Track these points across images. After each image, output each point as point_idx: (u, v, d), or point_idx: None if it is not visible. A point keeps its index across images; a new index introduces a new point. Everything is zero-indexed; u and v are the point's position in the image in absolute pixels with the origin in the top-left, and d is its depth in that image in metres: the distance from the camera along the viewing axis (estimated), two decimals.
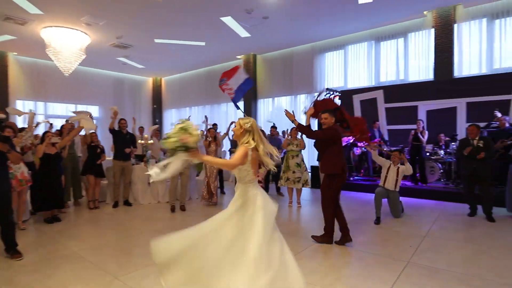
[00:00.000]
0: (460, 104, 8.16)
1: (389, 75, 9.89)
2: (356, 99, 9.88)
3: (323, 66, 11.20)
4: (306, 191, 7.69)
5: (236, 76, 7.29)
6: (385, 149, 7.75)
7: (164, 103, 16.65)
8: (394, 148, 8.41)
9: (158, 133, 8.77)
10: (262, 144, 2.44)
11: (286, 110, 4.28)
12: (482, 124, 6.99)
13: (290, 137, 6.54)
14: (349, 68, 10.70)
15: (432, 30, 8.79)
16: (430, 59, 8.94)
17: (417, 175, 7.61)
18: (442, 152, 7.60)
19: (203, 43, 10.79)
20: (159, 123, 15.87)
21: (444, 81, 8.47)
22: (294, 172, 6.13)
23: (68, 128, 5.94)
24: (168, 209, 6.02)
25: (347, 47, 10.67)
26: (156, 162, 6.99)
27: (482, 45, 8.31)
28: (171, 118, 16.35)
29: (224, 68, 13.74)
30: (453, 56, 8.47)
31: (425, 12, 8.77)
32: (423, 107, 8.73)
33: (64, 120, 7.50)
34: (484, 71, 8.27)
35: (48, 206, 4.90)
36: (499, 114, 6.87)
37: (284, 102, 12.24)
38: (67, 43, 8.76)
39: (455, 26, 8.44)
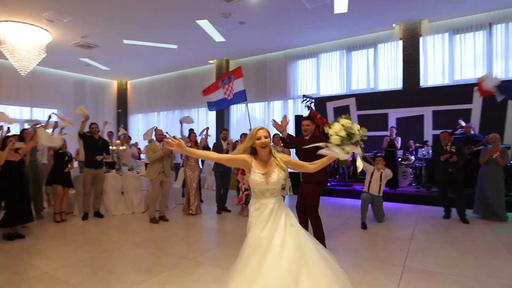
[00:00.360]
0: (427, 112, 8.66)
1: (360, 84, 10.26)
2: (330, 106, 10.11)
3: (296, 73, 11.36)
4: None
5: (238, 81, 7.34)
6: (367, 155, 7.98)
7: (130, 107, 15.86)
8: (367, 154, 8.73)
9: (128, 139, 8.26)
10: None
11: (273, 120, 4.08)
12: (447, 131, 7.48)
13: (272, 143, 6.47)
14: (321, 76, 10.95)
15: (400, 42, 9.29)
16: (399, 69, 9.42)
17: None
18: (412, 157, 7.97)
19: (175, 46, 10.44)
20: (124, 128, 15.06)
21: (412, 90, 8.96)
22: None
23: (32, 134, 5.34)
24: (145, 220, 5.63)
25: (320, 55, 10.92)
26: (129, 170, 6.55)
27: (444, 57, 8.93)
28: (137, 123, 15.62)
29: (195, 72, 13.47)
30: (419, 67, 9.00)
31: (393, 25, 9.25)
32: (393, 115, 9.15)
33: (25, 123, 6.77)
34: (447, 81, 8.88)
35: (15, 221, 4.33)
36: (463, 123, 7.37)
37: (257, 108, 12.20)
38: (25, 40, 7.99)
39: (421, 39, 8.99)
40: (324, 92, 10.83)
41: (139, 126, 15.30)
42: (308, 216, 4.02)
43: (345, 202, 7.30)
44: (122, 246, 4.25)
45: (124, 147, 7.01)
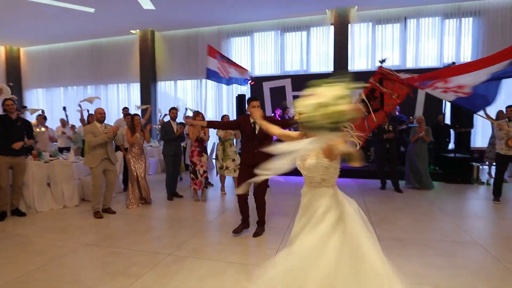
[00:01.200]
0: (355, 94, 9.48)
1: (294, 65, 10.58)
2: (266, 86, 10.16)
3: (231, 51, 11.02)
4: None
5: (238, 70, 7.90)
6: None
7: (25, 80, 13.10)
8: None
9: (44, 119, 6.77)
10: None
11: (187, 118, 3.95)
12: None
13: None
14: (256, 55, 10.89)
15: (332, 27, 9.83)
16: (330, 53, 10.02)
17: None
18: None
19: (92, 10, 8.87)
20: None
21: (341, 74, 9.65)
22: (233, 160, 5.92)
23: None
24: (84, 214, 4.78)
25: (254, 34, 10.79)
26: (51, 156, 5.46)
27: (368, 45, 9.84)
28: (37, 100, 13.06)
29: (114, 43, 11.80)
30: (347, 52, 9.73)
31: (326, 10, 9.70)
32: None
33: None
34: (369, 67, 9.85)
35: None
36: None
37: (189, 86, 11.50)
38: None
39: (350, 26, 9.68)
40: (259, 71, 10.83)
41: (39, 104, 12.80)
42: (257, 198, 3.79)
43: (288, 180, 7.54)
44: (73, 248, 3.51)
45: (43, 129, 5.73)
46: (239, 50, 11.00)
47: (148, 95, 11.46)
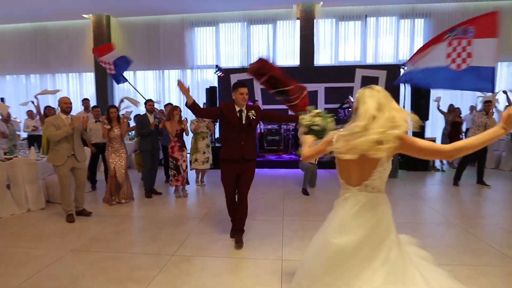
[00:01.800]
0: (320, 88, 9.78)
1: None
2: (234, 78, 10.01)
3: (195, 41, 10.64)
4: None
5: (110, 54, 7.31)
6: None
7: None
8: (271, 126, 9.27)
9: None
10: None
11: (179, 81, 3.22)
12: (336, 105, 8.82)
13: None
14: (221, 47, 10.65)
15: (298, 22, 9.99)
16: (296, 47, 10.19)
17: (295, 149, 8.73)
18: None
19: None
20: None
21: (307, 67, 9.91)
22: (204, 153, 5.87)
23: None
24: (55, 218, 4.28)
25: (219, 25, 10.54)
26: (6, 154, 4.83)
27: (332, 40, 10.21)
28: None
29: (63, 27, 10.65)
30: (313, 47, 9.99)
31: (293, 5, 9.82)
32: None
33: None
34: (333, 62, 10.24)
35: None
36: (352, 99, 8.76)
37: (150, 77, 10.86)
38: None
39: (315, 21, 9.92)
40: (225, 63, 10.62)
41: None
42: (242, 195, 3.39)
43: (265, 172, 7.59)
44: (58, 256, 3.12)
45: None
46: (203, 40, 10.66)
47: (104, 86, 10.60)
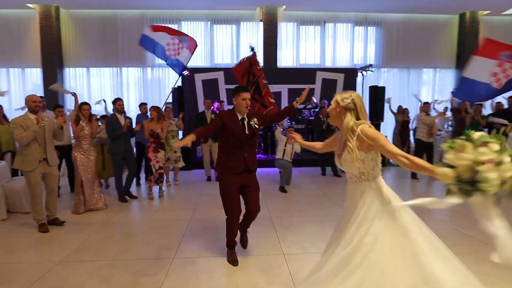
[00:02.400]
0: (284, 89, 10.11)
1: (224, 58, 10.56)
2: (198, 78, 9.88)
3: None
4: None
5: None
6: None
7: None
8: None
9: None
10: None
11: (178, 144, 2.56)
12: (300, 106, 9.22)
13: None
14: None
15: (261, 24, 10.19)
16: (259, 48, 10.37)
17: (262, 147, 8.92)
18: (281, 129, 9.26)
19: None
20: None
21: (271, 69, 10.16)
22: (175, 151, 5.96)
23: None
24: (23, 229, 3.87)
25: (182, 23, 10.32)
26: None
27: (293, 43, 10.60)
28: None
29: (3, 17, 9.47)
30: (276, 49, 10.27)
31: (257, 7, 9.98)
32: None
33: None
34: (295, 64, 10.64)
35: None
36: (315, 100, 9.22)
37: (107, 74, 10.21)
38: None
39: (278, 24, 10.21)
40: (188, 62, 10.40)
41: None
42: (252, 215, 3.02)
43: None
44: (45, 269, 2.85)
45: None
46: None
47: (53, 82, 9.67)
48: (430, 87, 11.19)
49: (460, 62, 10.75)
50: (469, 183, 1.25)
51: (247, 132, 2.87)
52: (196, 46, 7.03)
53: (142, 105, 6.49)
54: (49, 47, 9.54)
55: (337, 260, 1.74)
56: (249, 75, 5.52)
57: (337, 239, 1.87)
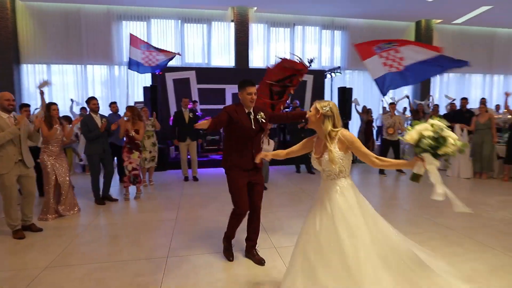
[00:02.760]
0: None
1: (196, 57, 10.48)
2: (169, 77, 9.72)
3: (121, 36, 9.92)
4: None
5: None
6: None
7: None
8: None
9: None
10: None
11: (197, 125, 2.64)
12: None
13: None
14: (153, 44, 10.15)
15: (232, 24, 10.26)
16: (231, 48, 10.44)
17: None
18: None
19: None
20: None
21: (243, 69, 10.27)
22: (150, 152, 6.03)
23: None
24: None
25: (151, 21, 10.09)
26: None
27: (264, 44, 10.80)
28: None
29: None
30: (248, 49, 10.40)
31: (229, 7, 10.04)
32: (229, 90, 10.12)
33: None
34: (265, 65, 10.82)
35: None
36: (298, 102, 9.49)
37: (70, 71, 9.67)
38: None
39: (250, 25, 10.35)
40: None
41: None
42: (257, 209, 2.99)
43: (211, 171, 7.64)
44: (32, 276, 2.70)
45: None
46: None
47: (9, 80, 9.00)
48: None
49: None
50: (430, 146, 1.75)
51: (253, 126, 2.77)
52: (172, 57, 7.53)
53: (112, 104, 6.34)
54: (4, 41, 8.84)
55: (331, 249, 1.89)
56: (287, 78, 5.45)
57: (319, 235, 1.97)
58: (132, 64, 7.17)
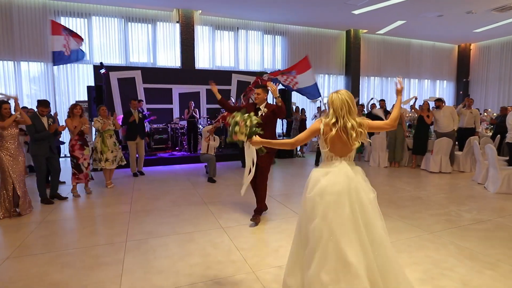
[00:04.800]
0: (202, 90, 10.66)
1: (140, 57, 10.50)
2: (113, 76, 9.65)
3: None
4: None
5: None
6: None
7: None
8: (157, 125, 9.43)
9: None
10: None
11: (211, 81, 4.53)
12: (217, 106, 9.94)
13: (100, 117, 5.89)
14: (95, 42, 9.99)
15: (178, 25, 10.51)
16: (177, 49, 10.67)
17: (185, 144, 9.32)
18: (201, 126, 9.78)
19: None
20: None
21: (189, 70, 10.59)
22: (112, 151, 5.90)
23: None
24: None
25: (92, 18, 9.88)
26: None
27: (210, 46, 11.22)
28: None
29: None
30: (194, 51, 10.73)
31: (174, 9, 10.26)
32: (176, 90, 10.37)
33: None
34: (211, 66, 11.28)
35: None
36: (233, 100, 10.05)
37: (2, 68, 9.06)
38: None
39: (195, 27, 10.69)
40: (100, 59, 10.02)
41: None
42: (261, 185, 4.00)
43: (160, 169, 7.89)
44: (2, 266, 2.89)
45: None
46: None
47: None
48: (325, 90, 13.27)
49: (348, 70, 13.09)
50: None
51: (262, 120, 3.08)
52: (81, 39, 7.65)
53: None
54: None
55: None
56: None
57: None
58: (57, 59, 7.10)
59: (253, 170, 2.48)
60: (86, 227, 3.93)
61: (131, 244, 3.38)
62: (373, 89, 13.85)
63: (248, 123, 2.24)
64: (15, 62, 9.13)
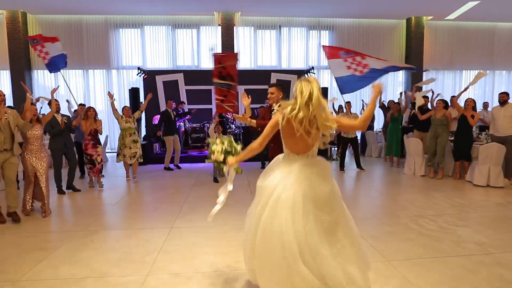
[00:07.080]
0: (241, 90, 10.74)
1: (186, 60, 11.21)
2: (159, 80, 10.52)
3: (119, 43, 10.89)
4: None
5: (54, 44, 6.80)
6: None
7: None
8: (196, 125, 9.88)
9: None
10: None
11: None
12: (257, 105, 9.87)
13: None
14: (147, 49, 11.06)
15: (219, 28, 10.86)
16: (219, 51, 11.03)
17: None
18: (233, 126, 9.95)
19: None
20: None
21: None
22: (130, 148, 6.37)
23: None
24: None
25: (145, 27, 10.95)
26: None
27: (251, 46, 11.28)
28: None
29: None
30: (234, 51, 10.93)
31: (214, 12, 10.65)
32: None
33: None
34: (252, 66, 11.32)
35: None
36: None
37: (74, 76, 10.81)
38: None
39: (235, 28, 10.89)
40: (151, 65, 11.07)
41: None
42: None
43: (186, 166, 8.29)
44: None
45: None
46: (128, 42, 10.96)
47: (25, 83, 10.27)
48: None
49: (409, 63, 11.52)
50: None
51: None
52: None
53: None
54: (17, 51, 10.12)
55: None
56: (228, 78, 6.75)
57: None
58: (53, 65, 7.46)
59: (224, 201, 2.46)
60: (63, 216, 4.41)
61: (81, 234, 3.67)
62: (441, 84, 11.88)
63: (220, 149, 2.41)
64: (84, 70, 10.77)
